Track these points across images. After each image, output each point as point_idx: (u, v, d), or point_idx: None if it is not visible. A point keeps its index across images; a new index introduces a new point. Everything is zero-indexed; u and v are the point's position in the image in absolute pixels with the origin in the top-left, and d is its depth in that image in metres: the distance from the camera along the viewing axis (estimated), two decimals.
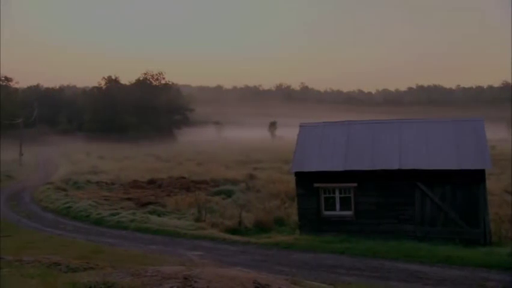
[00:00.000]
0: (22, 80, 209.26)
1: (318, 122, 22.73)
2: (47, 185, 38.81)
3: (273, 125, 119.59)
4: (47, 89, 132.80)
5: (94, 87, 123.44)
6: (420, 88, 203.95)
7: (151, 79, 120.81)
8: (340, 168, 19.55)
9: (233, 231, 21.59)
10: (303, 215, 20.37)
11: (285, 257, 16.59)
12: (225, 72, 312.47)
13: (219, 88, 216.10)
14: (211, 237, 20.29)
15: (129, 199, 31.34)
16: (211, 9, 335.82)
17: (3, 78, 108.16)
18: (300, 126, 22.14)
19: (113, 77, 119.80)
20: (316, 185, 19.97)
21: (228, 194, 32.01)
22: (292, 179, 27.74)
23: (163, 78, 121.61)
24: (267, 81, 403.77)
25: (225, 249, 18.14)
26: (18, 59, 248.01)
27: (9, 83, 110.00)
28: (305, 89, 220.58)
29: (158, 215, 25.49)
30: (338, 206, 19.90)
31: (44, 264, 9.29)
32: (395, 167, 19.01)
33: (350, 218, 19.60)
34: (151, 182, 39.92)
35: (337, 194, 19.94)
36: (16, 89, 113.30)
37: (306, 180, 20.25)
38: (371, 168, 19.30)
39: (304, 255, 16.83)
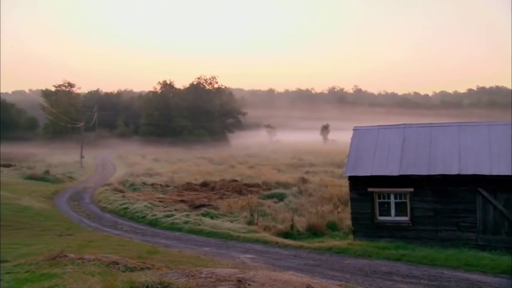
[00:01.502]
0: (84, 85, 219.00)
1: (372, 125, 22.22)
2: (106, 186, 40.28)
3: (325, 129, 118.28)
4: (106, 93, 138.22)
5: (149, 92, 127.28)
6: (482, 90, 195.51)
7: (204, 83, 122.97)
8: (396, 173, 19.00)
9: (285, 235, 21.51)
10: (357, 220, 19.97)
11: (338, 262, 16.30)
12: (277, 75, 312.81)
13: (271, 91, 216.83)
14: (263, 240, 20.28)
15: (183, 201, 31.95)
16: (263, 12, 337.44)
17: (66, 84, 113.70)
18: (354, 129, 21.75)
19: (168, 82, 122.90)
20: (370, 189, 19.52)
21: (280, 197, 31.98)
22: (345, 183, 27.33)
23: (216, 82, 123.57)
24: (320, 84, 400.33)
25: (277, 252, 18.07)
26: (79, 65, 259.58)
27: (72, 88, 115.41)
28: (358, 92, 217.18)
29: (211, 218, 25.80)
30: (393, 211, 19.35)
31: (103, 263, 9.59)
32: (455, 172, 18.24)
33: (406, 223, 19.00)
34: (204, 184, 40.57)
35: (392, 199, 19.39)
36: (78, 94, 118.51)
37: (360, 184, 19.85)
38: (428, 173, 18.62)
39: (358, 261, 16.47)
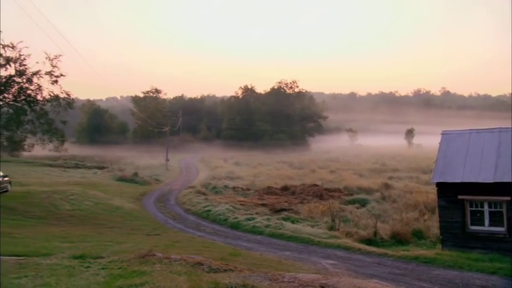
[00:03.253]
0: (169, 92, 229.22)
1: (463, 129, 20.96)
2: (189, 189, 41.59)
3: (410, 133, 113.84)
4: (190, 99, 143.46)
5: (231, 97, 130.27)
6: None
7: (285, 87, 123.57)
8: (490, 180, 17.73)
9: (368, 241, 20.89)
10: (446, 229, 18.90)
11: (426, 272, 15.50)
12: (358, 78, 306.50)
13: (352, 95, 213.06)
14: (345, 246, 19.82)
15: (263, 205, 32.16)
16: (344, 16, 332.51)
17: (153, 91, 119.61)
18: (443, 133, 20.64)
19: (250, 87, 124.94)
20: (461, 197, 18.40)
21: (363, 203, 31.19)
22: (432, 189, 26.05)
23: (297, 86, 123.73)
24: (404, 87, 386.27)
25: (360, 259, 17.57)
26: (166, 73, 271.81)
27: (159, 94, 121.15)
28: (446, 94, 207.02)
29: (292, 222, 25.68)
30: (487, 221, 18.07)
31: (189, 263, 9.85)
32: None
33: (502, 234, 17.65)
34: (285, 188, 40.59)
35: (486, 208, 18.13)
36: (164, 100, 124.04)
37: (449, 191, 18.78)
38: None
39: (448, 272, 15.54)
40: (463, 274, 15.26)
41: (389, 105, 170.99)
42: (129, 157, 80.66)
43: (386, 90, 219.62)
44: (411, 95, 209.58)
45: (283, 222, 25.30)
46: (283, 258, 16.73)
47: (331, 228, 23.31)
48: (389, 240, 21.41)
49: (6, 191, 28.18)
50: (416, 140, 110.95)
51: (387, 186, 38.48)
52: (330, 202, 28.74)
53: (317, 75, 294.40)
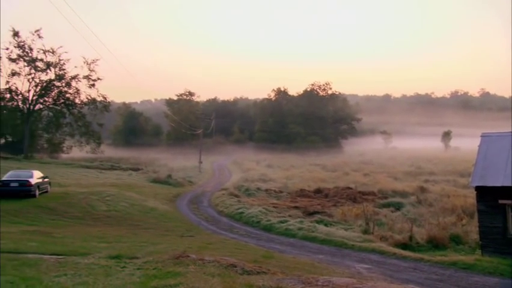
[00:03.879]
0: (203, 94, 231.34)
1: (504, 132, 20.30)
2: (222, 191, 41.83)
3: (447, 135, 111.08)
4: (223, 101, 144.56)
5: (264, 99, 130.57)
6: None
7: (318, 89, 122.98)
8: None
9: (403, 246, 20.47)
10: (485, 234, 18.32)
11: (464, 279, 15.06)
12: (393, 80, 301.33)
13: (387, 97, 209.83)
14: (380, 250, 19.49)
15: (296, 207, 32.00)
16: (377, 16, 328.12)
17: (187, 93, 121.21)
18: (482, 136, 20.04)
19: (282, 89, 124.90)
20: (502, 201, 17.80)
21: (397, 206, 30.65)
22: (470, 193, 25.35)
23: (330, 88, 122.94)
24: (441, 88, 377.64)
25: (395, 264, 17.23)
26: (199, 75, 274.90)
27: (192, 97, 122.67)
28: (485, 96, 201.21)
29: (325, 225, 25.45)
30: None
31: (222, 265, 9.89)
32: None
33: None
34: (318, 191, 40.30)
35: None
36: (197, 103, 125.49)
37: (489, 195, 18.20)
38: None
39: (488, 279, 15.05)
40: (504, 281, 14.76)
41: (424, 107, 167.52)
42: (163, 159, 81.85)
43: (422, 92, 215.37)
44: (449, 96, 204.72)
45: (316, 225, 25.11)
46: (317, 261, 16.59)
47: (365, 232, 22.99)
48: (425, 245, 20.93)
49: (46, 192, 29.08)
50: (453, 142, 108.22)
51: (423, 189, 37.72)
52: (364, 205, 28.35)
53: (351, 77, 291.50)
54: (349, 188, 40.57)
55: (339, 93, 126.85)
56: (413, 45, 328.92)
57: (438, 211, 27.91)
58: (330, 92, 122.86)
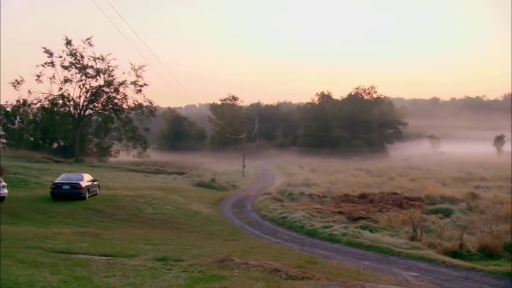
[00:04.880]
0: (246, 99, 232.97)
1: None
2: (265, 195, 41.85)
3: (499, 140, 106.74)
4: (267, 106, 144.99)
5: (307, 103, 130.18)
6: None
7: (362, 93, 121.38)
8: None
9: (453, 254, 19.72)
10: None
11: None
12: (441, 83, 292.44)
13: (434, 100, 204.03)
14: (428, 258, 18.86)
15: (340, 213, 31.57)
16: (422, 16, 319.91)
17: (231, 98, 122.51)
18: None
19: (326, 93, 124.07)
20: None
21: (446, 213, 29.66)
22: None
23: (375, 92, 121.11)
24: (493, 91, 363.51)
25: (445, 273, 16.64)
26: (243, 80, 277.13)
27: (236, 101, 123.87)
28: None
29: (370, 231, 24.93)
30: None
31: (266, 270, 9.87)
32: None
33: None
34: (362, 196, 39.65)
35: None
36: (241, 107, 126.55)
37: None
38: None
39: None
40: None
41: (475, 111, 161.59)
42: (207, 163, 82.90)
43: (472, 95, 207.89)
44: (501, 99, 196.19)
45: (361, 230, 24.64)
46: (362, 268, 16.26)
47: (412, 239, 22.34)
48: (477, 253, 20.07)
49: (96, 195, 30.06)
50: (506, 147, 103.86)
51: (473, 196, 36.35)
52: (411, 211, 27.57)
53: (396, 80, 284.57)
54: (395, 193, 39.67)
55: (385, 96, 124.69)
56: (462, 45, 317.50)
57: (490, 218, 26.75)
58: (375, 95, 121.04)
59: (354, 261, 18.13)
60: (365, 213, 31.05)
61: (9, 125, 70.61)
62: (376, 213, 30.92)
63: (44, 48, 64.94)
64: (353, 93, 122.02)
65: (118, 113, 71.76)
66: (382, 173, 63.22)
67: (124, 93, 70.98)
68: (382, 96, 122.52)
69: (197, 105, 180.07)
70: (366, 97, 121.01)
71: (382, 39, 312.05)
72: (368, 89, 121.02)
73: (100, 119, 73.74)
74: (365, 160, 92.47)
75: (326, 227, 25.98)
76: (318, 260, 16.88)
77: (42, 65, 64.59)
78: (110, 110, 71.82)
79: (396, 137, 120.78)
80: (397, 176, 57.37)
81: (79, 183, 27.97)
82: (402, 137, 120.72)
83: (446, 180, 51.12)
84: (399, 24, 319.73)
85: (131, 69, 69.73)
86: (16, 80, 63.59)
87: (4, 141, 70.99)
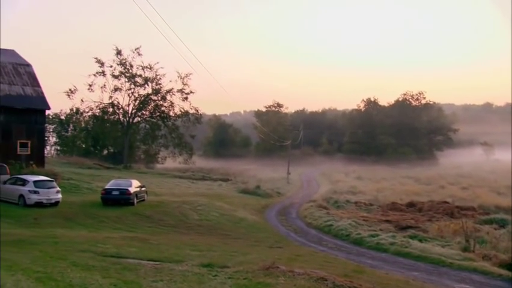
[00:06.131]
0: (291, 106, 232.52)
1: None
2: (310, 202, 41.51)
3: None
4: (311, 112, 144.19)
5: (353, 110, 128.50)
6: None
7: (410, 99, 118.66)
8: None
9: (509, 267, 18.80)
10: None
11: None
12: (495, 87, 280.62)
13: (487, 105, 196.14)
14: (483, 270, 18.06)
15: (388, 221, 30.88)
16: (471, 16, 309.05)
17: (275, 105, 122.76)
18: None
19: (372, 99, 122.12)
20: None
21: (502, 223, 28.43)
22: None
23: (424, 98, 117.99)
24: None
25: (501, 286, 15.89)
26: (287, 87, 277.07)
27: (280, 108, 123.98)
28: None
29: (420, 241, 24.19)
30: None
31: (312, 278, 9.74)
32: None
33: None
34: (411, 205, 38.68)
35: None
36: (286, 114, 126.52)
37: None
38: None
39: None
40: None
41: None
42: (252, 170, 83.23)
43: None
44: None
45: (410, 240, 23.95)
46: (411, 278, 15.79)
47: (465, 250, 21.49)
48: None
49: (143, 200, 30.76)
50: None
51: None
52: (463, 221, 26.57)
53: (446, 85, 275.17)
54: (445, 202, 38.45)
55: (434, 102, 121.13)
56: None
57: None
58: (423, 101, 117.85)
59: (402, 271, 17.64)
60: (413, 222, 30.23)
61: (63, 133, 73.67)
62: (425, 222, 30.06)
63: (96, 58, 67.51)
64: (400, 100, 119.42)
65: (165, 120, 73.37)
66: (431, 181, 61.47)
67: (170, 101, 72.56)
68: (431, 102, 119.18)
69: (242, 112, 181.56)
70: (414, 103, 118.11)
71: (431, 43, 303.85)
72: (416, 94, 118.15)
73: (147, 126, 75.65)
74: (413, 167, 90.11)
75: (372, 236, 25.46)
76: (365, 269, 16.53)
77: (94, 75, 67.18)
78: (158, 118, 73.54)
79: (446, 144, 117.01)
80: (447, 184, 55.61)
81: (127, 189, 28.73)
82: (452, 144, 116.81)
83: (501, 189, 49.04)
84: (449, 27, 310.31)
85: (178, 77, 71.24)
86: (70, 89, 66.31)
87: (58, 148, 74.08)
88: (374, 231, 26.72)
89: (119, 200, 28.19)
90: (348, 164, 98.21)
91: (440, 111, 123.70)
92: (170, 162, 77.38)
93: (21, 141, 35.34)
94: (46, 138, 55.13)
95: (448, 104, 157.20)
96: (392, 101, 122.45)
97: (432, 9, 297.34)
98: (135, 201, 28.97)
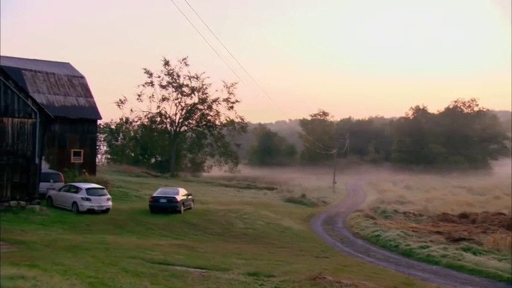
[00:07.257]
0: (337, 114, 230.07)
1: None
2: (357, 212, 40.71)
3: None
4: (358, 121, 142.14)
5: (401, 118, 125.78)
6: None
7: (462, 106, 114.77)
8: None
9: None
10: None
11: None
12: None
13: None
14: None
15: (439, 232, 29.80)
16: None
17: (321, 113, 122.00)
18: None
19: (421, 107, 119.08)
20: None
21: None
22: None
23: (476, 105, 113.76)
24: None
25: None
26: (333, 95, 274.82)
27: (326, 117, 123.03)
28: None
29: (474, 253, 23.16)
30: None
31: None
32: None
33: None
34: (463, 216, 37.19)
35: None
36: (331, 122, 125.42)
37: None
38: None
39: None
40: None
41: None
42: (297, 179, 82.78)
43: None
44: None
45: (463, 252, 22.98)
46: None
47: None
48: None
49: (190, 208, 31.17)
50: None
51: None
52: None
53: (501, 90, 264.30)
54: (501, 213, 36.69)
55: (488, 109, 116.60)
56: None
57: None
58: (476, 108, 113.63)
59: (456, 285, 16.98)
60: (466, 234, 29.01)
61: (113, 142, 76.08)
62: (479, 234, 28.78)
63: (145, 69, 69.53)
64: (451, 107, 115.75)
65: (211, 129, 74.35)
66: (486, 191, 59.05)
67: (216, 110, 73.51)
68: (484, 109, 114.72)
69: (287, 120, 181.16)
70: (466, 110, 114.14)
71: (482, 48, 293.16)
72: (468, 101, 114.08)
73: (194, 135, 76.94)
74: (466, 177, 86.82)
75: (423, 247, 24.62)
76: (416, 282, 16.01)
77: (143, 85, 69.22)
78: (204, 127, 74.65)
79: (502, 153, 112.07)
80: (503, 195, 53.13)
81: (174, 197, 29.23)
82: (508, 152, 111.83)
83: None
84: (498, 28, 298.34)
85: (224, 86, 72.16)
86: (120, 100, 68.64)
87: (109, 156, 76.53)
88: (424, 243, 25.83)
89: (166, 207, 28.70)
90: (396, 173, 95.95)
91: (495, 118, 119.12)
92: (216, 170, 78.20)
93: (75, 149, 36.70)
94: (97, 147, 57.05)
95: (504, 111, 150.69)
96: (442, 108, 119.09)
97: (485, 11, 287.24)
98: (182, 209, 29.40)
